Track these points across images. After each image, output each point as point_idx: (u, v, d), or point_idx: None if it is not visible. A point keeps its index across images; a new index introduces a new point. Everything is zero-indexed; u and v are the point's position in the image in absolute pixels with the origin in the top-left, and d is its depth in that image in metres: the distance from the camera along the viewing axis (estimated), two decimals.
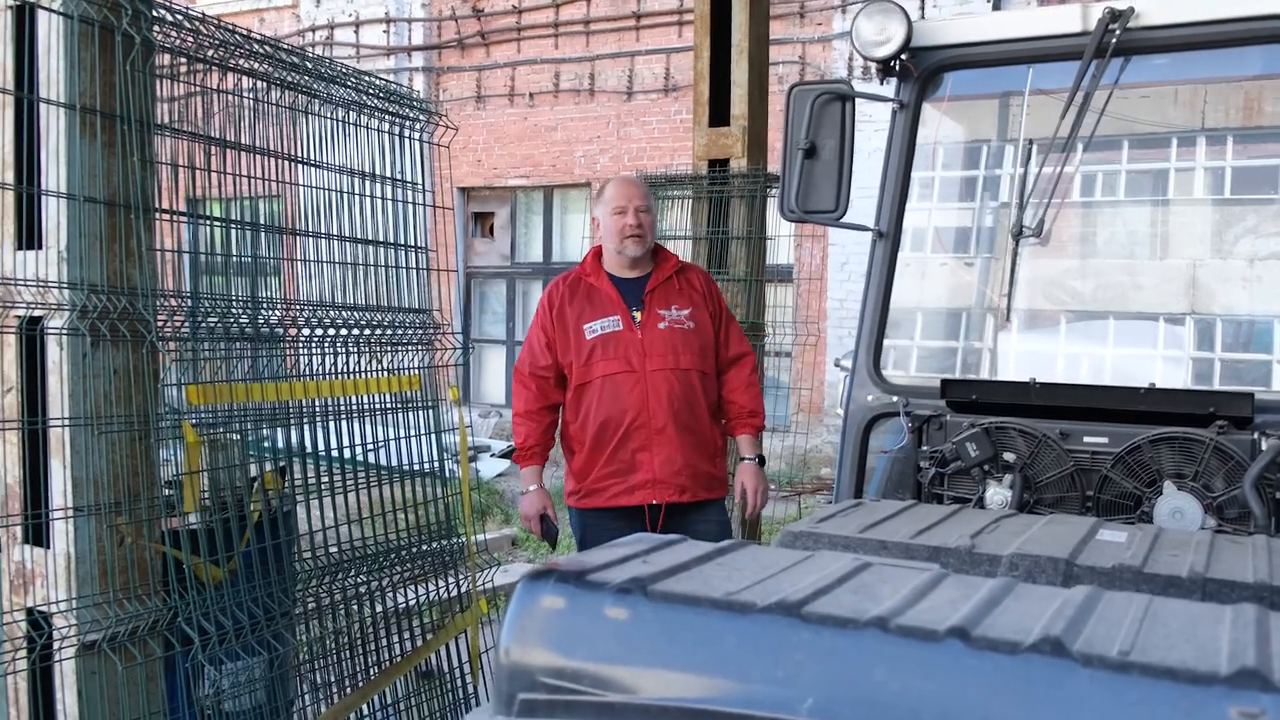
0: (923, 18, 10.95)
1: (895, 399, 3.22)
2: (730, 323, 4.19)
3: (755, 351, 5.87)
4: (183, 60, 3.17)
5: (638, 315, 3.98)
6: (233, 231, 3.47)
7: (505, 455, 12.16)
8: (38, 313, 2.83)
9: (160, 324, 3.00)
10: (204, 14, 3.27)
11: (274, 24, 14.86)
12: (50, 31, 2.81)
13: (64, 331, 2.81)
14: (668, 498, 3.92)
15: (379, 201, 3.94)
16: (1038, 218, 3.24)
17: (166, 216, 3.12)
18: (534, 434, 4.07)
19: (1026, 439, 2.95)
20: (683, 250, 6.12)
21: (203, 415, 3.29)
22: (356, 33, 14.30)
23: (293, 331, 3.59)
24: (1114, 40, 3.07)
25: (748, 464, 4.11)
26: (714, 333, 4.07)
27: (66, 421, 2.83)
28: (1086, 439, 2.92)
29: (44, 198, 2.84)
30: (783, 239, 7.33)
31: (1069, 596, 1.49)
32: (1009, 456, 2.95)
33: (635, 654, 1.46)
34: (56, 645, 2.80)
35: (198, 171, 3.25)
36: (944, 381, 3.13)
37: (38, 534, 2.89)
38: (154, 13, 2.98)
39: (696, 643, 1.43)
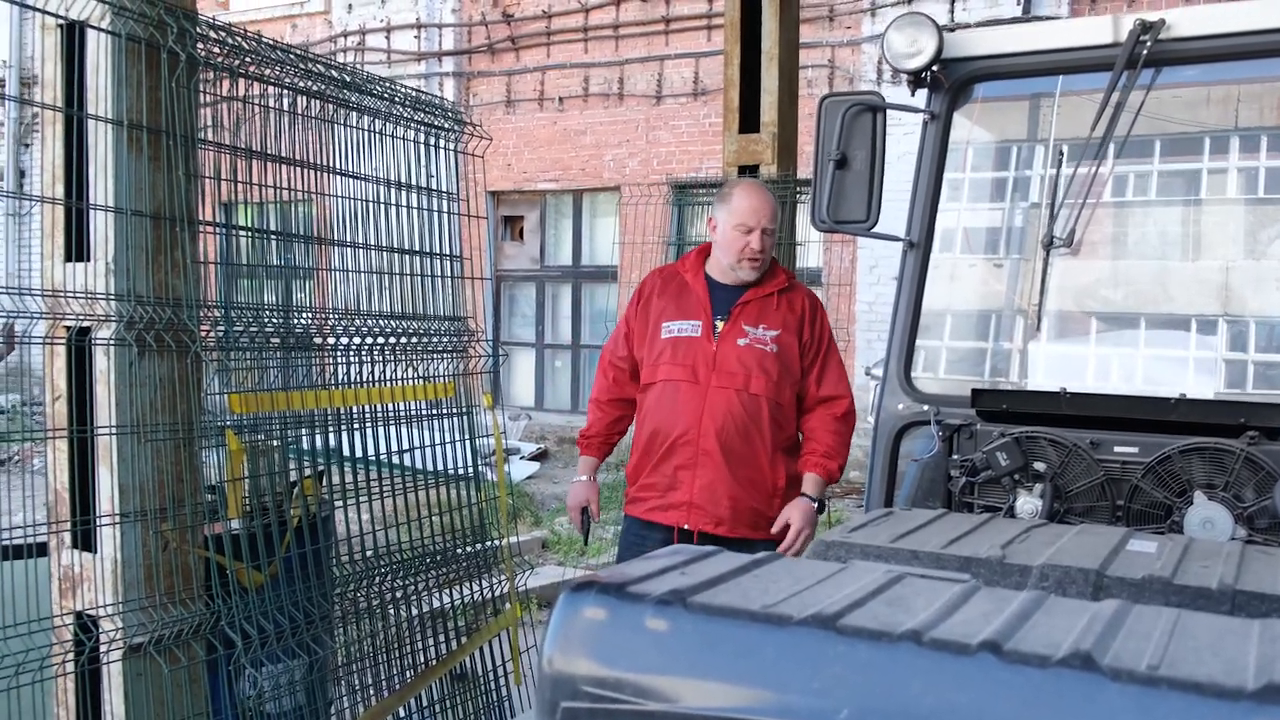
0: (952, 19, 10.97)
1: (926, 408, 3.24)
2: (830, 358, 3.83)
3: None
4: (225, 75, 3.23)
5: (720, 325, 3.72)
6: (271, 240, 3.54)
7: (535, 458, 12.25)
8: (86, 324, 2.91)
9: (204, 334, 3.07)
10: (245, 29, 3.33)
11: (306, 30, 15.01)
12: (99, 49, 2.88)
13: (111, 342, 2.88)
14: (701, 525, 3.65)
15: (412, 211, 4.00)
16: (1068, 227, 3.26)
17: (210, 229, 3.19)
18: (598, 424, 3.95)
19: (1057, 448, 2.97)
20: None
21: (244, 422, 3.35)
22: (388, 38, 14.42)
23: (330, 340, 3.66)
24: (1145, 52, 3.08)
25: (803, 500, 3.71)
26: (801, 363, 3.76)
27: (113, 429, 2.90)
28: (1117, 448, 2.93)
29: (92, 211, 2.91)
30: (812, 244, 7.36)
31: (1099, 610, 1.52)
32: (1039, 466, 2.97)
33: (675, 664, 1.51)
34: (104, 648, 2.86)
35: (235, 181, 3.32)
36: (974, 391, 3.15)
37: (86, 539, 2.96)
38: (197, 29, 3.05)
39: (735, 654, 1.47)
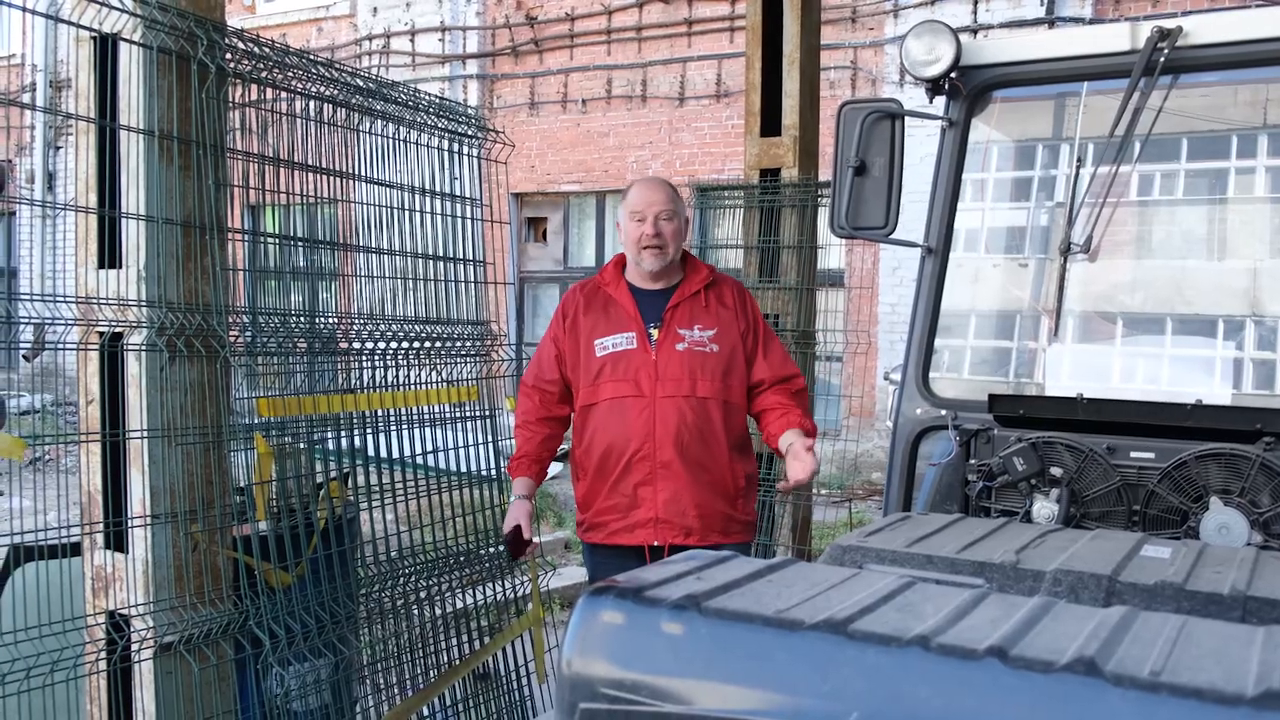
0: (974, 20, 10.96)
1: (944, 412, 3.27)
2: (770, 341, 3.72)
3: (807, 357, 5.95)
4: (253, 85, 3.30)
5: (654, 333, 3.58)
6: (298, 246, 3.61)
7: (558, 459, 12.29)
8: (118, 329, 2.98)
9: (232, 339, 3.14)
10: (271, 40, 3.39)
11: (331, 33, 15.13)
12: (130, 61, 2.95)
13: (143, 348, 2.95)
14: (671, 539, 3.50)
15: (436, 216, 4.06)
16: (1085, 232, 3.27)
17: (239, 236, 3.25)
18: (527, 444, 3.70)
19: (1073, 453, 2.98)
20: (734, 259, 6.18)
21: (272, 426, 3.42)
22: (412, 41, 14.51)
23: (355, 345, 3.72)
24: (1162, 59, 3.09)
25: (799, 440, 3.43)
26: (745, 355, 3.64)
27: (145, 433, 2.97)
28: (1133, 454, 2.95)
29: (124, 220, 2.98)
30: (834, 247, 7.37)
31: (1105, 616, 1.55)
32: (1056, 471, 2.99)
33: (690, 667, 1.55)
34: (135, 646, 2.93)
35: (264, 189, 3.39)
36: (992, 396, 3.17)
37: (118, 540, 3.03)
38: (226, 41, 3.11)
39: (747, 657, 1.51)
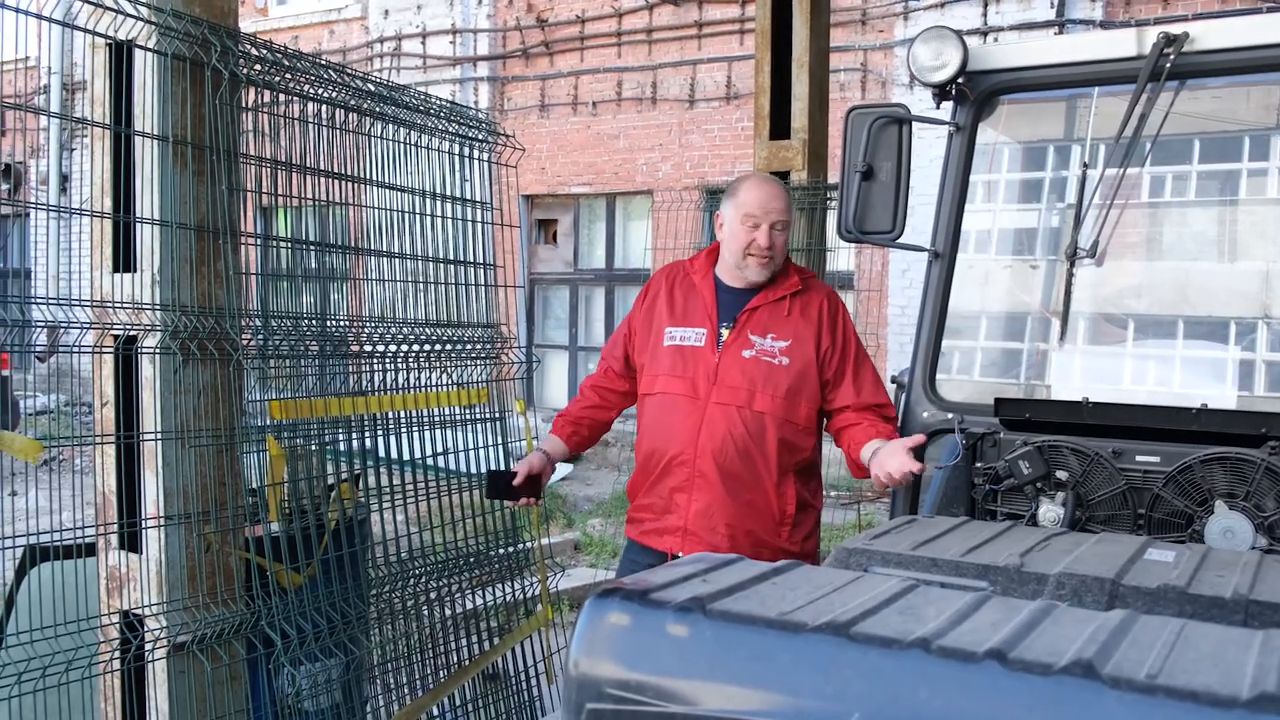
0: (985, 23, 10.95)
1: (950, 416, 3.29)
2: (863, 365, 3.45)
3: None
4: (265, 90, 3.33)
5: (725, 333, 3.40)
6: (309, 250, 3.64)
7: (567, 461, 12.32)
8: (133, 333, 3.01)
9: (245, 342, 3.17)
10: (285, 47, 3.43)
11: (343, 36, 15.20)
12: (145, 68, 2.98)
13: (157, 350, 2.98)
14: (696, 553, 3.07)
15: (446, 220, 4.09)
16: (1092, 237, 3.28)
17: (253, 241, 3.29)
18: (574, 404, 3.69)
19: (1079, 457, 3.00)
20: None
21: (284, 428, 3.45)
22: (423, 43, 14.57)
23: (366, 347, 3.75)
24: (1169, 64, 3.11)
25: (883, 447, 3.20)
26: (822, 374, 3.40)
27: (158, 435, 3.00)
28: (1139, 457, 2.96)
29: (138, 224, 3.02)
30: (843, 249, 7.39)
31: (1105, 620, 1.57)
32: (1061, 474, 3.00)
33: (694, 668, 1.58)
34: (149, 646, 2.96)
35: (275, 194, 3.42)
36: (997, 400, 3.19)
37: (132, 540, 3.06)
38: (240, 47, 3.15)
39: (751, 659, 1.54)
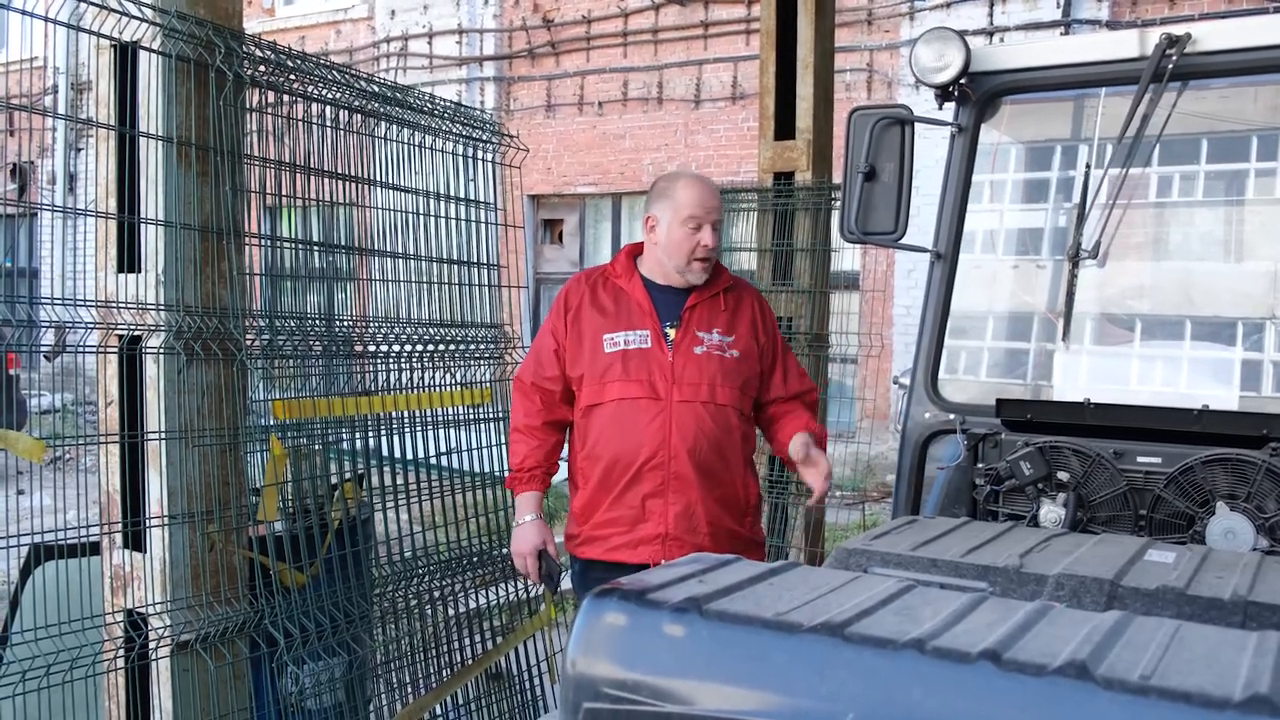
0: (990, 23, 10.94)
1: (952, 416, 3.29)
2: (788, 356, 3.54)
3: (819, 360, 5.97)
4: (270, 91, 3.34)
5: (671, 333, 3.33)
6: (314, 250, 3.65)
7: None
8: (137, 333, 3.03)
9: (249, 342, 3.18)
10: (290, 48, 3.44)
11: (350, 36, 15.22)
12: (150, 69, 3.00)
13: (161, 350, 3.00)
14: (678, 558, 2.96)
15: (452, 221, 4.10)
16: (1095, 238, 3.28)
17: (257, 241, 3.30)
18: (535, 454, 3.40)
19: (1080, 458, 3.00)
20: (748, 262, 6.21)
21: (288, 428, 3.46)
22: (430, 43, 14.59)
23: (371, 347, 3.76)
24: (1171, 65, 3.10)
25: (816, 450, 3.30)
26: (760, 368, 3.44)
27: (163, 434, 3.02)
28: (1140, 459, 2.96)
29: (143, 225, 3.03)
30: (848, 250, 7.38)
31: (1100, 621, 1.57)
32: (1063, 475, 3.00)
33: (691, 668, 1.58)
34: (153, 644, 2.98)
35: (280, 195, 3.43)
36: (999, 401, 3.19)
37: (136, 540, 3.08)
38: (244, 49, 3.16)
39: (747, 659, 1.54)
